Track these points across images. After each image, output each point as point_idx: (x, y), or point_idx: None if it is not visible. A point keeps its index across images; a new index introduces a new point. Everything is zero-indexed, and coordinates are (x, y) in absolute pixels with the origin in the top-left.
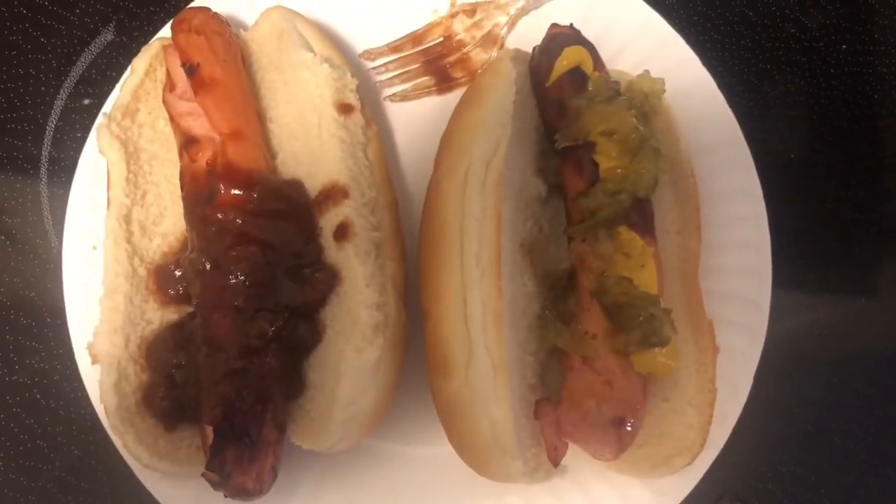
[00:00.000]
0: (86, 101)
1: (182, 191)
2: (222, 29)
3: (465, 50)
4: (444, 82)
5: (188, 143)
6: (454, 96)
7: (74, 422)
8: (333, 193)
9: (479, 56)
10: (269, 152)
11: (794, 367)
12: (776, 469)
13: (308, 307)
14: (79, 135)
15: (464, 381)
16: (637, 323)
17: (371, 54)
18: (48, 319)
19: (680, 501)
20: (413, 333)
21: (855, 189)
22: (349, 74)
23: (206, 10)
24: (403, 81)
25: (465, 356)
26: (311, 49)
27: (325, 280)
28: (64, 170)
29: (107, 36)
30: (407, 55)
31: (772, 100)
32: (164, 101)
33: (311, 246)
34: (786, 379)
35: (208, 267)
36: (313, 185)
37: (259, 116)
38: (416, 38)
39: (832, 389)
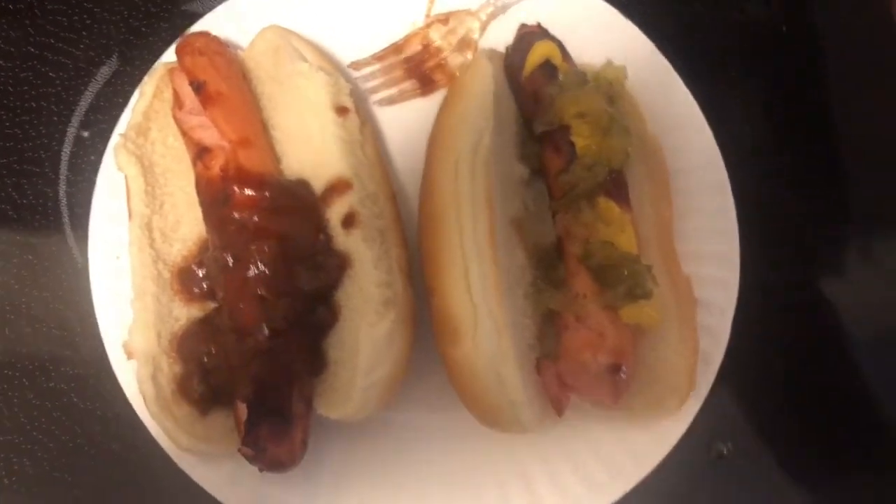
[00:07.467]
0: (95, 128)
1: (199, 196)
2: (222, 49)
3: (442, 55)
4: (426, 85)
5: (201, 153)
6: (436, 97)
7: (111, 420)
8: (338, 187)
9: (456, 59)
10: (275, 158)
11: (767, 317)
12: (760, 409)
13: (324, 290)
14: (92, 157)
15: (472, 345)
16: (622, 279)
17: (358, 65)
18: (78, 329)
19: (675, 442)
20: (419, 314)
21: (797, 151)
22: (342, 79)
23: (206, 33)
24: (389, 87)
25: (472, 322)
26: (305, 60)
27: (337, 265)
28: (82, 190)
29: (111, 66)
30: (390, 63)
31: (729, 86)
32: (175, 118)
33: (322, 235)
34: (761, 327)
35: (231, 262)
36: (318, 183)
37: (263, 126)
38: (397, 48)
39: (802, 333)
